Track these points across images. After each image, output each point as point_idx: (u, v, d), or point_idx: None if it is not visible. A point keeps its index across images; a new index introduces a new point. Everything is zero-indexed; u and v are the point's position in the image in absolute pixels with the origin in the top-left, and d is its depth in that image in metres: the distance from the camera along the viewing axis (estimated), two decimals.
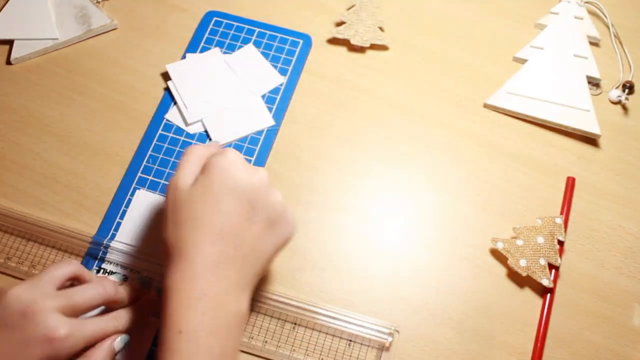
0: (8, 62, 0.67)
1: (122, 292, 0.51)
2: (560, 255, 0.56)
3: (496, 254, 0.57)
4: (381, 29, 0.68)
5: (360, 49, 0.68)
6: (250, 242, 0.46)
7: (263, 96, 0.64)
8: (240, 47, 0.67)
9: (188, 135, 0.62)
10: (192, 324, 0.42)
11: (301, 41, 0.68)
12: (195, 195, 0.46)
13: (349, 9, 0.68)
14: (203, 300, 0.43)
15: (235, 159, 0.47)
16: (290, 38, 0.68)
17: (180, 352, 0.41)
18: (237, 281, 0.45)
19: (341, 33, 0.67)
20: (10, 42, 0.67)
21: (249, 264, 0.47)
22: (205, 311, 0.43)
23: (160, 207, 0.59)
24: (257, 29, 0.68)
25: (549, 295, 0.55)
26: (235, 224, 0.46)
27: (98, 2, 0.70)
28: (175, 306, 0.43)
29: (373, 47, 0.68)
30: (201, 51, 0.67)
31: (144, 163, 0.61)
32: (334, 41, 0.68)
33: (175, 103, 0.64)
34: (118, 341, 0.48)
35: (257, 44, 0.67)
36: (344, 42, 0.68)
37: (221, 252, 0.45)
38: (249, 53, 0.67)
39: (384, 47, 0.68)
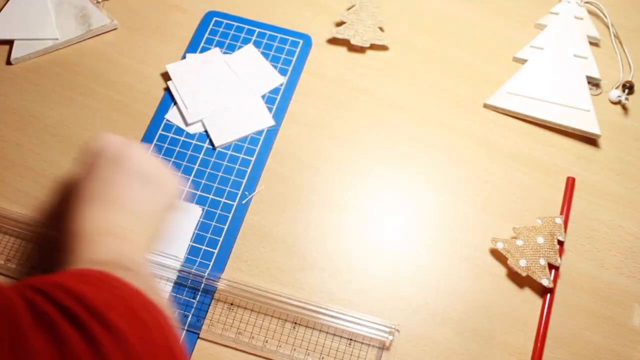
0: (8, 62, 0.67)
1: None
2: (560, 255, 0.56)
3: (496, 254, 0.57)
4: (381, 29, 0.68)
5: (360, 49, 0.68)
6: (123, 194, 0.48)
7: (263, 96, 0.64)
8: (240, 47, 0.67)
9: (188, 135, 0.62)
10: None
11: (301, 41, 0.68)
12: (80, 175, 0.49)
13: (349, 9, 0.68)
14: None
15: (115, 140, 0.50)
16: (291, 38, 0.68)
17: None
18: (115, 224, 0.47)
19: (341, 33, 0.67)
20: (10, 42, 0.67)
21: (126, 212, 0.47)
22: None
23: None
24: (257, 29, 0.68)
25: (549, 295, 0.55)
26: (107, 183, 0.48)
27: (98, 2, 0.70)
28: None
29: (373, 47, 0.68)
30: (201, 51, 0.67)
31: None
32: (334, 41, 0.68)
33: (175, 103, 0.64)
34: None
35: (257, 44, 0.67)
36: (344, 42, 0.68)
37: (94, 193, 0.47)
38: (249, 53, 0.67)
39: (384, 47, 0.68)
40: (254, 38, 0.68)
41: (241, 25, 0.69)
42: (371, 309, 0.55)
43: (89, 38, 0.69)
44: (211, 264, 0.56)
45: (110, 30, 0.69)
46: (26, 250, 0.57)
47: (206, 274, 0.55)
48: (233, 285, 0.55)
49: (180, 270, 0.55)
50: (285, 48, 0.67)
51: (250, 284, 0.55)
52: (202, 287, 0.55)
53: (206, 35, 0.68)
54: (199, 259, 0.57)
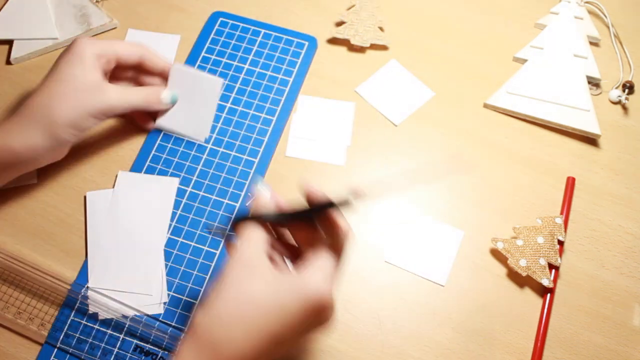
0: (8, 62, 0.67)
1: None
2: (560, 255, 0.56)
3: (496, 254, 0.57)
4: (381, 29, 0.68)
5: (360, 49, 0.68)
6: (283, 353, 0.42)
7: (266, 98, 0.64)
8: (246, 48, 0.67)
9: None
10: None
11: (307, 43, 0.67)
12: (262, 294, 0.40)
13: (349, 9, 0.68)
14: None
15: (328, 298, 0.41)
16: (296, 40, 0.67)
17: None
18: None
19: (341, 33, 0.67)
20: (10, 42, 0.67)
21: None
22: None
23: None
24: (263, 30, 0.68)
25: (549, 295, 0.55)
26: (282, 343, 0.41)
27: (97, 1, 0.70)
28: None
29: (373, 47, 0.68)
30: (207, 52, 0.67)
31: (148, 163, 0.61)
32: (334, 41, 0.68)
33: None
34: (166, 94, 0.60)
35: (262, 46, 0.67)
36: (344, 42, 0.68)
37: None
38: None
39: (384, 47, 0.68)
40: (259, 39, 0.67)
41: (247, 26, 0.68)
42: (371, 309, 0.55)
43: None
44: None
45: (110, 30, 0.69)
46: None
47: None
48: None
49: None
50: (291, 49, 0.67)
51: None
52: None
53: (212, 35, 0.68)
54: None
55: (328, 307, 0.41)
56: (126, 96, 0.56)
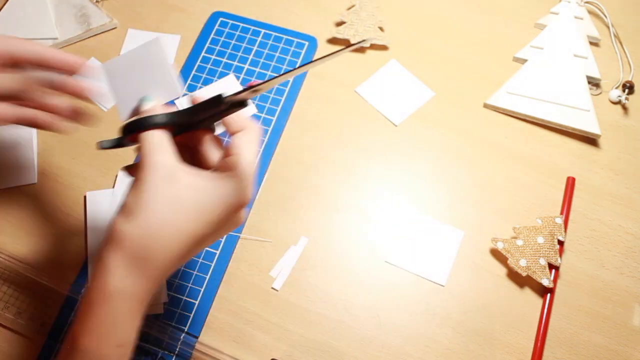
0: None
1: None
2: (560, 255, 0.56)
3: (496, 254, 0.57)
4: (381, 29, 0.68)
5: (360, 49, 0.68)
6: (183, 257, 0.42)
7: (266, 98, 0.64)
8: (246, 48, 0.67)
9: None
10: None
11: (307, 43, 0.67)
12: (166, 196, 0.40)
13: (349, 9, 0.68)
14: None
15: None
16: (296, 40, 0.68)
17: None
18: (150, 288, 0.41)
19: (341, 33, 0.67)
20: None
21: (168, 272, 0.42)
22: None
23: None
24: (263, 30, 0.68)
25: (549, 295, 0.55)
26: (204, 242, 0.42)
27: (97, 1, 0.70)
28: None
29: (373, 47, 0.68)
30: (207, 51, 0.67)
31: None
32: (334, 41, 0.68)
33: None
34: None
35: (262, 46, 0.67)
36: (344, 42, 0.68)
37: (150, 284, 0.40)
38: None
39: (384, 47, 0.68)
40: (259, 39, 0.68)
41: (247, 26, 0.69)
42: (371, 309, 0.55)
43: (88, 37, 0.69)
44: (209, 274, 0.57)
45: (110, 30, 0.69)
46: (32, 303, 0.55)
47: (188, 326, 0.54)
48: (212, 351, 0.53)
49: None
50: (291, 49, 0.67)
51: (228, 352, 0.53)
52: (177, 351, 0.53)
53: (212, 35, 0.68)
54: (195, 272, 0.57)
55: (245, 201, 0.42)
56: None
